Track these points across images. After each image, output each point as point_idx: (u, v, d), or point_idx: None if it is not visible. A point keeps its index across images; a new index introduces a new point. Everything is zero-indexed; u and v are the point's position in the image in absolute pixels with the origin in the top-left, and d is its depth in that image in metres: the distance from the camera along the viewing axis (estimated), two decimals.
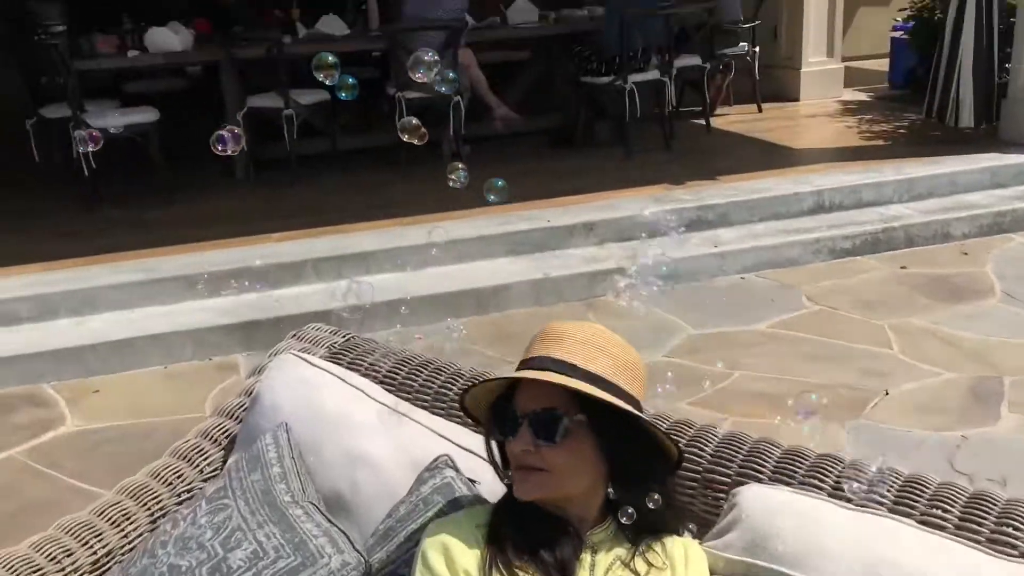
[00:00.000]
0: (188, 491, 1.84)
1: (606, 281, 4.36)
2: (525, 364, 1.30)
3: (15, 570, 1.61)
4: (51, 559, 1.64)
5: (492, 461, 1.38)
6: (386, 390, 1.85)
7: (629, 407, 1.25)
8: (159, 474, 1.87)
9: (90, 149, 4.96)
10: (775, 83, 7.60)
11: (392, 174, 5.80)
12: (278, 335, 3.97)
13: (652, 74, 5.96)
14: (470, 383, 1.55)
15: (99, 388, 3.72)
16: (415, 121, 1.80)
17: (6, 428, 3.42)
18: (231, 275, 4.29)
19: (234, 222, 4.96)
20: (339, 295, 3.99)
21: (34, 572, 1.61)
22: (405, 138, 1.80)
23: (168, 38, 5.71)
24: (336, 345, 2.11)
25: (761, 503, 1.37)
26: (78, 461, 3.16)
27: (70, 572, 1.65)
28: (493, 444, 1.37)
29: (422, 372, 1.92)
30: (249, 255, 4.45)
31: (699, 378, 3.48)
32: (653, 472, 1.30)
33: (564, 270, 4.41)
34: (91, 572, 1.66)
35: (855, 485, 1.36)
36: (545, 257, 4.55)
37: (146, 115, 5.41)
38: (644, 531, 1.31)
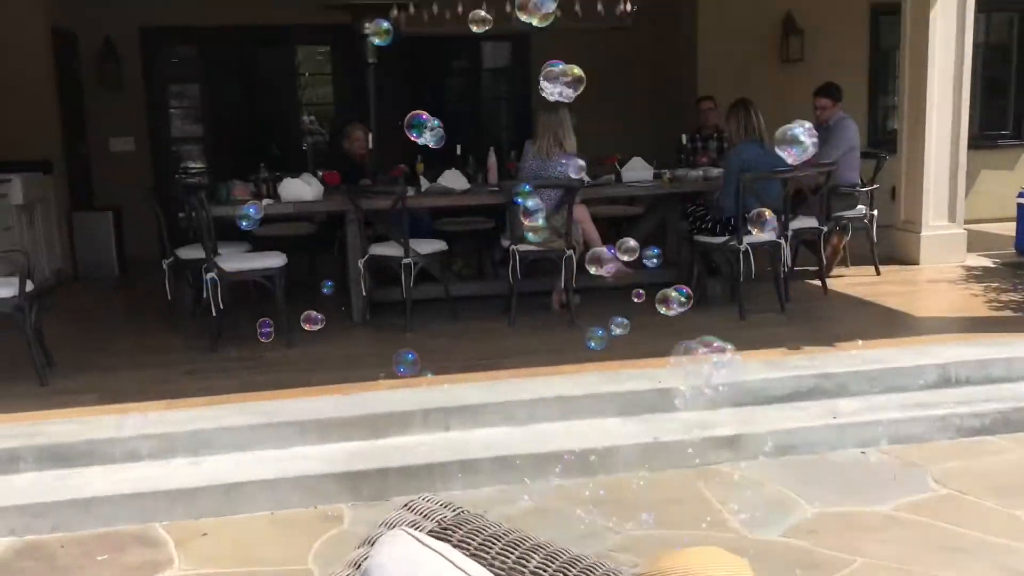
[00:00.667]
0: None
1: (719, 449, 4.23)
2: None
3: None
4: None
5: None
6: (496, 574, 1.80)
7: None
8: None
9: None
10: (894, 245, 7.47)
11: (502, 323, 5.89)
12: (384, 486, 4.02)
13: (767, 235, 5.93)
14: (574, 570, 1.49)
15: (208, 531, 3.76)
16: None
17: (117, 568, 3.48)
18: (341, 422, 4.35)
19: (348, 366, 5.07)
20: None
21: None
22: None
23: (300, 189, 6.06)
24: (446, 519, 2.08)
25: None
26: None
27: None
28: None
29: (534, 556, 1.86)
30: (360, 402, 4.51)
31: (818, 564, 3.28)
32: None
33: (676, 434, 4.30)
34: None
35: None
36: (656, 419, 4.46)
37: (274, 260, 5.67)
38: None
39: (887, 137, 9.22)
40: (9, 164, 7.35)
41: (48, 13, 8.12)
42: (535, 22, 2.24)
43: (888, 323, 5.73)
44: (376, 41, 2.33)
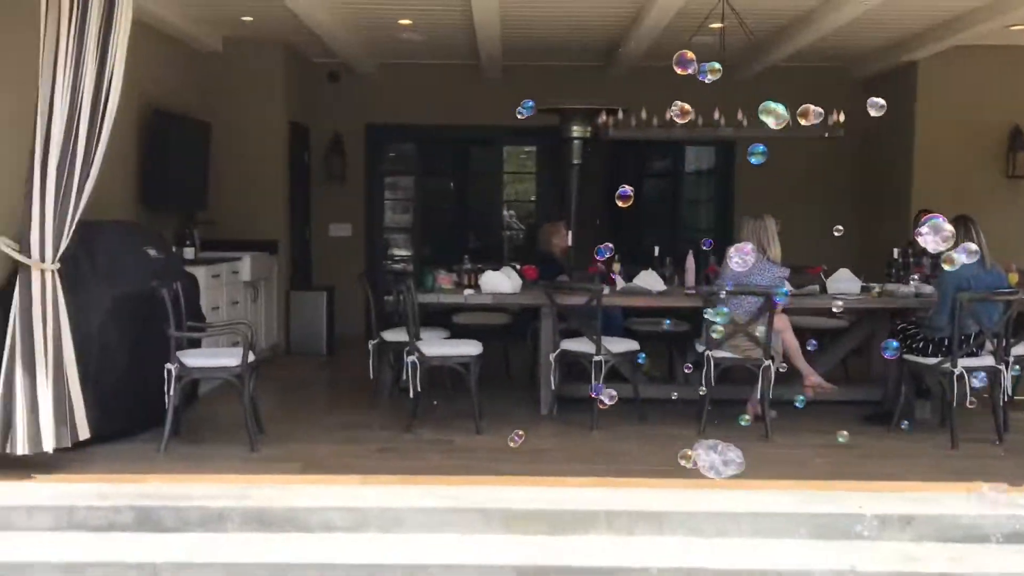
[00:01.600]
0: None
1: None
2: None
3: None
4: None
5: None
6: None
7: None
8: None
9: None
10: None
11: (691, 430, 5.76)
12: None
13: (986, 360, 5.54)
14: None
15: None
16: None
17: None
18: (525, 515, 4.37)
19: (534, 459, 5.11)
20: None
21: None
22: None
23: (500, 282, 6.27)
24: None
25: None
26: None
27: None
28: None
29: None
30: (544, 497, 4.52)
31: None
32: None
33: (875, 565, 4.02)
34: None
35: None
36: (853, 548, 4.18)
37: (471, 348, 5.87)
38: None
39: None
40: (241, 244, 8.08)
41: (288, 109, 8.97)
42: (771, 122, 2.34)
43: None
44: (709, 77, 2.48)
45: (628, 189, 2.65)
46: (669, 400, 6.43)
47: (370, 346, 6.49)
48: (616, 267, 6.62)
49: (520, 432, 3.77)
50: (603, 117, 6.61)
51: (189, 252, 7.17)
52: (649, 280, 6.36)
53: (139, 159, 6.99)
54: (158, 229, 6.81)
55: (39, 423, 4.67)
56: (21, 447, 4.64)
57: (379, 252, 10.46)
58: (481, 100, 9.30)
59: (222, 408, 6.30)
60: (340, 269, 9.51)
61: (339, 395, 7.14)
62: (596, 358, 5.80)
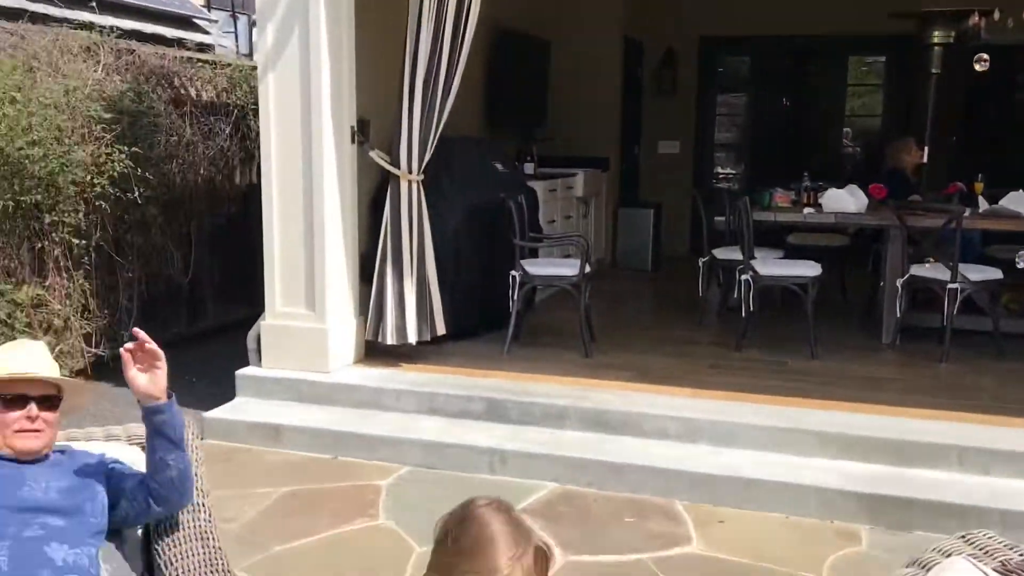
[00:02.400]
0: None
1: None
2: None
3: None
4: None
5: None
6: None
7: None
8: None
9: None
10: None
11: None
12: (908, 518, 3.80)
13: None
14: None
15: (724, 519, 3.92)
16: None
17: (642, 533, 3.79)
18: (864, 442, 4.20)
19: (872, 388, 4.87)
20: None
21: None
22: None
23: (844, 200, 5.94)
24: (1011, 563, 1.92)
25: None
26: None
27: None
28: None
29: None
30: (885, 425, 4.31)
31: None
32: None
33: None
34: None
35: None
36: None
37: (809, 269, 5.65)
38: None
39: None
40: (576, 160, 8.33)
41: (623, 25, 9.00)
42: None
43: None
44: None
45: None
46: None
47: (700, 263, 6.48)
48: (979, 187, 6.01)
49: None
50: (974, 19, 5.92)
51: (529, 168, 7.52)
52: (1020, 201, 5.70)
53: (486, 79, 7.39)
54: (502, 146, 7.20)
55: (405, 318, 5.21)
56: (390, 338, 5.22)
57: (707, 170, 10.31)
58: (824, 7, 8.70)
59: (556, 316, 6.63)
60: (667, 186, 9.53)
61: (666, 311, 7.21)
62: (951, 286, 5.34)
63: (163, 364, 2.17)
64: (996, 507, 3.71)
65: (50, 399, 2.25)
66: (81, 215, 5.53)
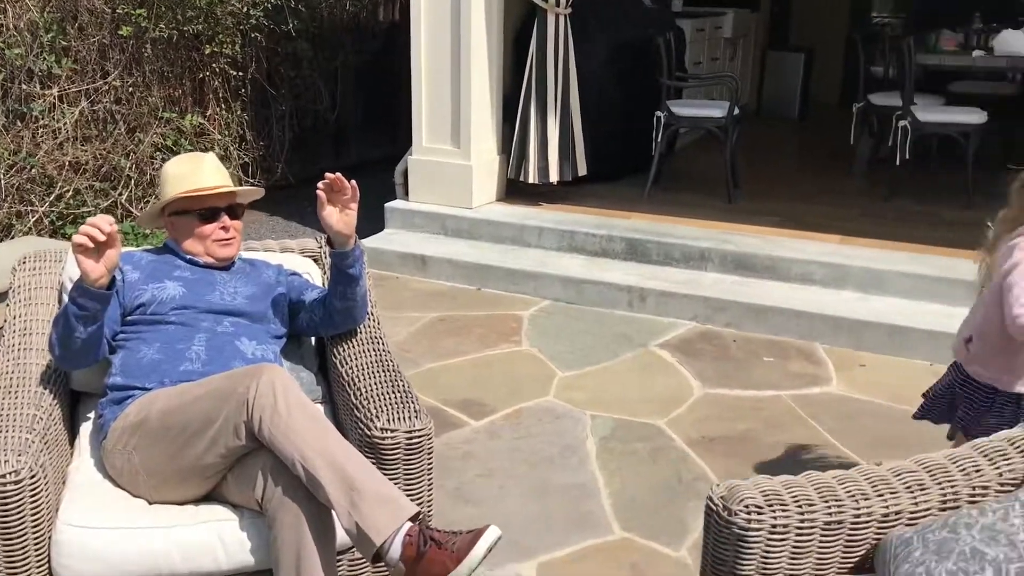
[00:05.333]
0: (983, 488, 1.85)
1: None
2: None
3: (822, 493, 1.82)
4: (851, 496, 1.81)
5: None
6: None
7: None
8: (958, 461, 1.91)
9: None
10: None
11: None
12: None
13: None
14: None
15: (865, 363, 3.92)
16: None
17: (781, 372, 3.84)
18: None
19: None
20: None
21: (837, 501, 1.80)
22: None
23: (1020, 42, 5.50)
24: None
25: None
26: (836, 421, 3.39)
27: (863, 514, 1.80)
28: None
29: None
30: None
31: None
32: None
33: None
34: (881, 521, 1.80)
35: None
36: None
37: (974, 116, 5.33)
38: None
39: None
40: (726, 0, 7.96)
41: None
42: None
43: None
44: None
45: None
46: None
47: (854, 109, 6.19)
48: None
49: None
50: None
51: (677, 4, 7.24)
52: None
53: None
54: None
55: (547, 157, 5.25)
56: (532, 176, 5.28)
57: (865, 10, 9.65)
58: None
59: (699, 161, 6.54)
60: (820, 30, 9.01)
61: (814, 159, 6.97)
62: None
63: (355, 205, 2.27)
64: None
65: (234, 208, 2.41)
66: (238, 47, 5.70)
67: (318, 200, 2.24)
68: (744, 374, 3.81)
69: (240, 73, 5.79)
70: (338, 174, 2.24)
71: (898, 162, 5.42)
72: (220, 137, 5.80)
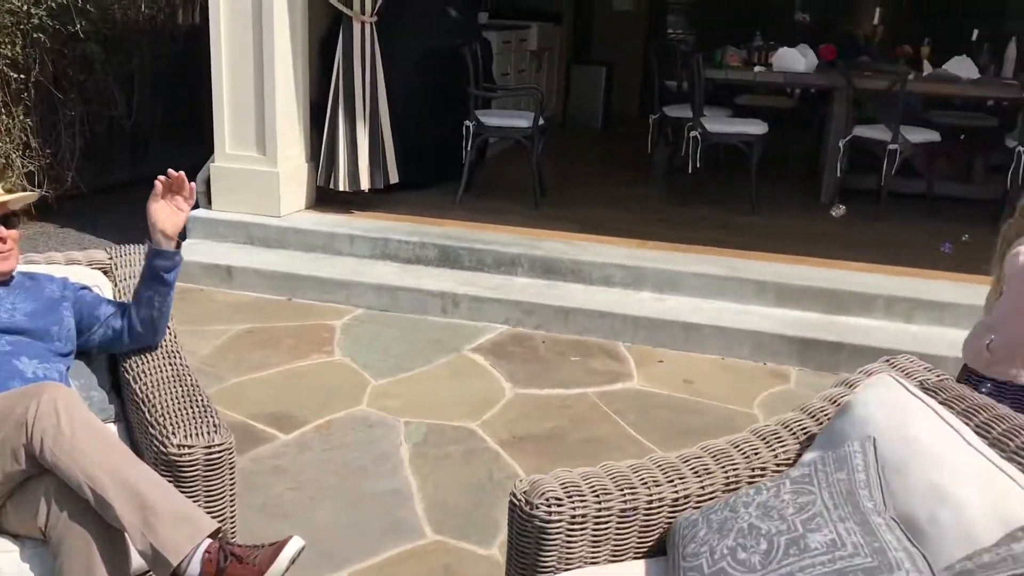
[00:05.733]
0: (761, 469, 2.01)
1: None
2: None
3: (617, 481, 1.92)
4: (644, 483, 1.92)
5: None
6: (981, 440, 1.81)
7: None
8: (739, 446, 2.06)
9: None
10: None
11: (986, 230, 5.41)
12: (835, 360, 4.06)
13: None
14: None
15: (663, 359, 4.14)
16: None
17: (586, 370, 3.99)
18: (800, 291, 4.42)
19: (810, 242, 5.07)
20: None
21: (631, 489, 1.90)
22: None
23: (795, 60, 5.99)
24: (928, 382, 2.11)
25: None
26: (637, 415, 3.57)
27: (655, 499, 1.91)
28: None
29: (1022, 433, 1.84)
30: (820, 276, 4.53)
31: None
32: None
33: None
34: (671, 505, 1.92)
35: None
36: None
37: (756, 127, 5.75)
38: None
39: None
40: (529, 13, 8.18)
41: None
42: None
43: None
44: None
45: None
46: (962, 199, 6.07)
47: (650, 120, 6.53)
48: (926, 52, 6.10)
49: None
50: None
51: (482, 17, 7.37)
52: (962, 67, 5.82)
53: None
54: None
55: (358, 164, 5.21)
56: (342, 184, 5.23)
57: (660, 29, 10.19)
58: None
59: (508, 170, 6.69)
60: (620, 45, 9.43)
61: (615, 168, 7.30)
62: (891, 146, 5.50)
63: (188, 208, 2.22)
64: (916, 350, 3.94)
65: (8, 218, 2.26)
66: (19, 47, 5.32)
67: (153, 189, 2.18)
68: (553, 374, 3.93)
69: (22, 76, 5.39)
70: (181, 172, 2.19)
71: (690, 170, 5.77)
72: (0, 144, 5.38)
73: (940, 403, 1.95)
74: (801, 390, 3.85)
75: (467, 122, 5.56)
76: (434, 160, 5.87)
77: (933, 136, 5.72)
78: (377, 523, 2.78)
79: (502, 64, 7.22)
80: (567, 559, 1.84)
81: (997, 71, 6.09)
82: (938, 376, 2.15)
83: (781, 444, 2.07)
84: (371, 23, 5.08)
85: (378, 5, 5.06)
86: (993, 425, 1.88)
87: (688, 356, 4.19)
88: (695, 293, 4.52)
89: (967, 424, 1.87)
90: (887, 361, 2.26)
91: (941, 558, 1.61)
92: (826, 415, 2.09)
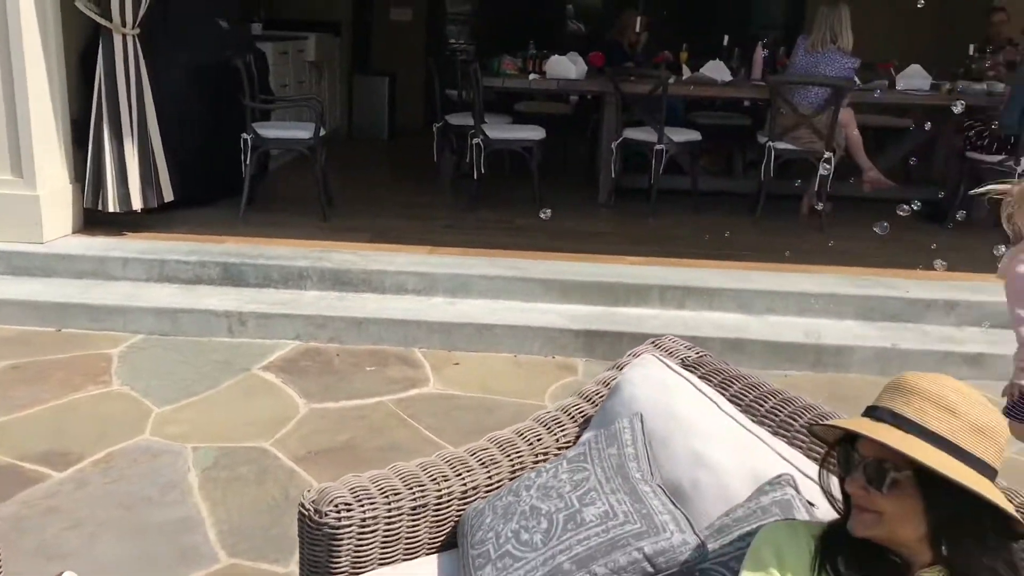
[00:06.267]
0: (544, 454, 2.10)
1: (961, 365, 4.14)
2: (868, 410, 1.37)
3: (407, 481, 1.94)
4: (433, 480, 1.96)
5: (825, 491, 1.47)
6: (735, 407, 1.98)
7: (953, 473, 1.23)
8: (523, 434, 2.14)
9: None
10: None
11: (746, 220, 5.90)
12: (618, 348, 4.27)
13: None
14: (817, 421, 1.80)
15: (459, 361, 4.21)
16: None
17: (382, 379, 3.99)
18: (583, 287, 4.63)
19: (591, 240, 5.33)
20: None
21: (420, 486, 1.93)
22: None
23: (566, 67, 6.26)
24: (689, 359, 2.27)
25: None
26: (434, 418, 3.61)
27: (444, 494, 1.95)
28: (834, 478, 1.44)
29: (770, 399, 2.02)
30: (601, 271, 4.76)
31: None
32: (985, 540, 1.28)
33: (915, 344, 4.25)
34: (461, 498, 1.96)
35: None
36: (896, 327, 4.41)
37: (534, 133, 5.96)
38: None
39: None
40: (306, 24, 8.07)
41: None
42: None
43: None
44: None
45: None
46: (725, 193, 6.57)
47: (434, 129, 6.61)
48: (684, 57, 6.55)
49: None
50: None
51: (256, 28, 7.20)
52: (716, 70, 6.30)
53: None
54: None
55: (128, 184, 4.95)
56: (112, 205, 4.95)
57: (440, 39, 10.34)
58: None
59: (292, 182, 6.57)
60: (401, 55, 9.48)
61: (403, 177, 7.34)
62: (657, 147, 5.87)
63: None
64: (688, 334, 4.24)
65: None
66: None
67: None
68: (347, 385, 3.90)
69: None
70: None
71: (475, 176, 5.90)
72: None
73: (699, 377, 2.12)
74: (587, 380, 4.02)
75: (244, 135, 5.41)
76: (212, 176, 5.67)
77: (694, 136, 6.15)
78: (166, 553, 2.66)
79: (280, 75, 7.08)
80: (359, 563, 1.84)
81: (747, 73, 6.64)
82: (698, 353, 2.32)
83: (561, 428, 2.17)
84: (133, 36, 4.84)
85: (140, 17, 4.83)
86: (746, 393, 2.06)
87: (483, 356, 4.28)
88: (486, 295, 4.62)
89: (723, 394, 2.04)
90: (652, 343, 2.42)
91: (704, 517, 1.76)
92: (600, 397, 2.21)
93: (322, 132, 5.56)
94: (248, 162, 5.43)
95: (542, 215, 5.25)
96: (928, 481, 1.26)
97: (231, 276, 4.70)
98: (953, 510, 1.27)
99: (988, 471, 1.29)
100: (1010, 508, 1.27)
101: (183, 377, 3.93)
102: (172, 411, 3.59)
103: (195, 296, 4.56)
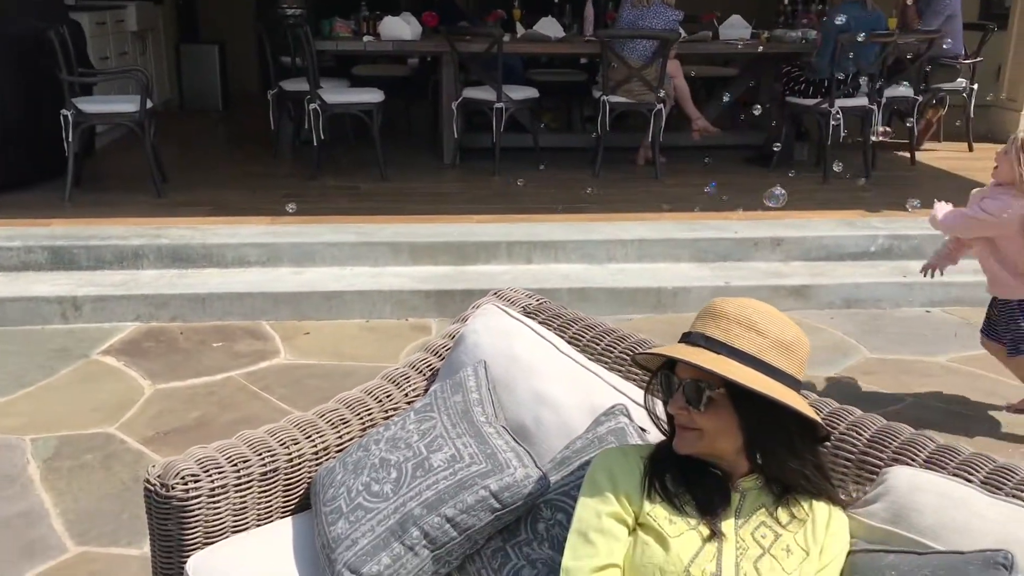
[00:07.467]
0: (394, 409, 2.13)
1: (788, 297, 4.43)
2: (684, 336, 1.48)
3: (255, 447, 1.94)
4: (282, 444, 1.97)
5: (651, 415, 1.58)
6: (573, 348, 2.07)
7: (760, 386, 1.34)
8: (372, 392, 2.17)
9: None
10: (991, 123, 7.32)
11: (586, 174, 6.05)
12: (468, 305, 4.33)
13: (860, 100, 5.91)
14: (640, 349, 1.91)
15: (309, 331, 4.17)
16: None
17: (230, 354, 3.91)
18: (431, 247, 4.66)
19: (438, 201, 5.35)
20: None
21: (270, 452, 1.93)
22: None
23: (400, 28, 6.21)
24: (530, 307, 2.35)
25: (908, 481, 1.49)
26: (287, 388, 3.58)
27: (295, 457, 1.96)
28: (658, 402, 1.55)
29: (606, 337, 2.13)
30: (449, 231, 4.81)
31: (873, 399, 3.51)
32: (792, 445, 1.40)
33: (746, 280, 4.51)
34: (312, 460, 1.98)
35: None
36: (728, 266, 4.66)
37: (373, 96, 5.90)
38: (792, 490, 1.44)
39: (1002, 11, 8.82)
40: None
41: None
42: None
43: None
44: None
45: None
46: (565, 148, 6.72)
47: (269, 96, 6.44)
48: (517, 14, 6.61)
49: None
50: None
51: None
52: (549, 27, 6.40)
53: None
54: None
55: None
56: None
57: (270, 3, 9.98)
58: None
59: (121, 160, 6.28)
60: (229, 22, 9.14)
61: (240, 147, 7.11)
62: (497, 105, 5.92)
63: None
64: (536, 286, 4.36)
65: None
66: None
67: None
68: (194, 363, 3.81)
69: None
70: None
71: (315, 143, 5.79)
72: None
73: (540, 323, 2.20)
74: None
75: (64, 111, 5.12)
76: (31, 156, 5.35)
77: (532, 93, 6.24)
78: (10, 548, 2.55)
79: (101, 47, 6.70)
80: (211, 532, 1.84)
81: (579, 29, 6.77)
82: (538, 301, 2.40)
83: (409, 383, 2.21)
84: None
85: None
86: (583, 334, 2.16)
87: (334, 324, 4.26)
88: (333, 262, 4.59)
89: (562, 337, 2.13)
90: (494, 294, 2.49)
91: (548, 452, 1.84)
92: (447, 350, 2.26)
93: (149, 104, 5.32)
94: (71, 139, 5.14)
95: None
96: (740, 396, 1.38)
97: (61, 260, 4.47)
98: (763, 421, 1.40)
99: (793, 382, 1.42)
100: (811, 412, 1.41)
101: (16, 368, 3.73)
102: (5, 403, 3.42)
103: (23, 283, 4.32)
